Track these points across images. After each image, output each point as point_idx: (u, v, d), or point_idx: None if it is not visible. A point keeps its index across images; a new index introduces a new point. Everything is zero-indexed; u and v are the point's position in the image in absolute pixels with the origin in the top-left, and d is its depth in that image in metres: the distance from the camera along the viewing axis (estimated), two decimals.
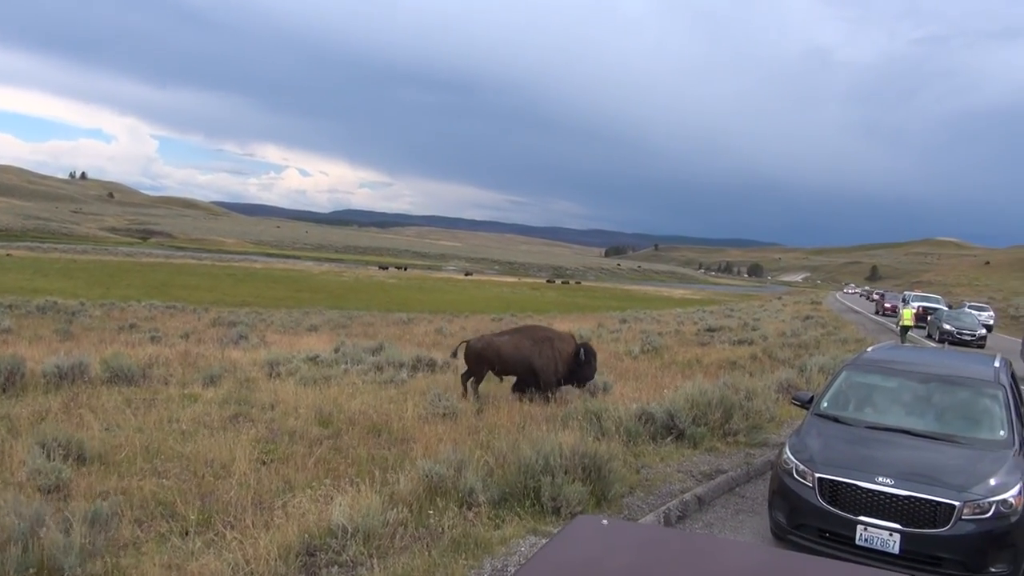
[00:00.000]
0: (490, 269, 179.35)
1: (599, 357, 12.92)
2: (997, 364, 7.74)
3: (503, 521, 6.36)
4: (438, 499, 6.40)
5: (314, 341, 22.63)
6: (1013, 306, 57.63)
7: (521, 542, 5.98)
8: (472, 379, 12.64)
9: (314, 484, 6.76)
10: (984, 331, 32.56)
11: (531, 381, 12.55)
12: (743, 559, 2.70)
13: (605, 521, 2.87)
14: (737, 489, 8.49)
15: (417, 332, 28.88)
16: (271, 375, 14.11)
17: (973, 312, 38.97)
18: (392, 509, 5.93)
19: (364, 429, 9.42)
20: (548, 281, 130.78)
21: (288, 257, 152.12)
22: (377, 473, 7.05)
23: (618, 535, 2.81)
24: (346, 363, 15.67)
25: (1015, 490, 5.64)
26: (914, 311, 35.32)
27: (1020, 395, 8.03)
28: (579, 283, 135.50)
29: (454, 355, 13.38)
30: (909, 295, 46.31)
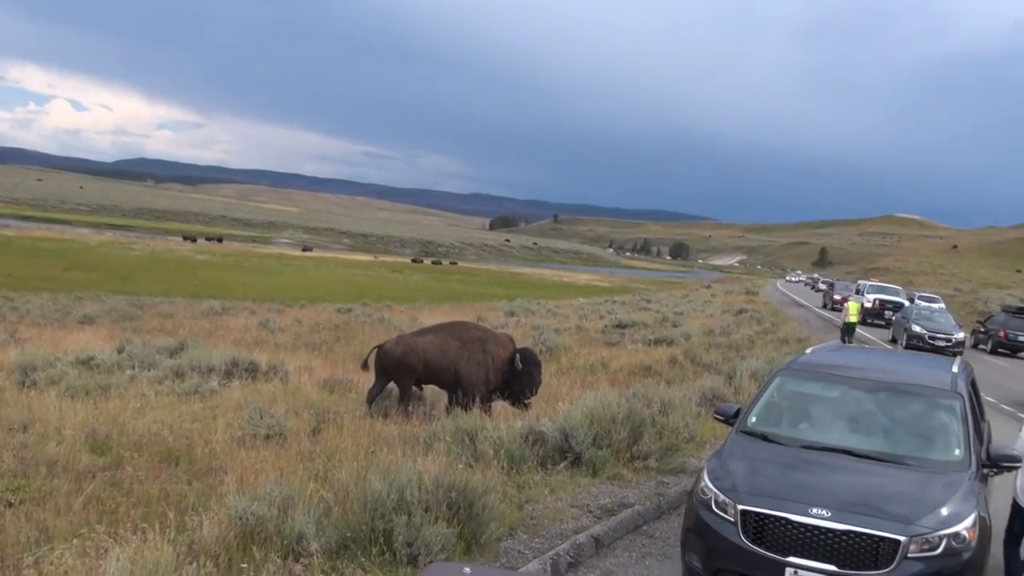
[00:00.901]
0: (337, 243, 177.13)
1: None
2: (955, 369, 8.34)
3: (342, 575, 6.34)
4: (255, 548, 6.30)
5: (88, 337, 21.84)
6: (981, 299, 62.06)
7: None
8: (380, 390, 12.78)
9: (83, 532, 6.51)
10: (963, 335, 33.40)
11: (454, 391, 12.86)
12: None
13: (467, 570, 2.92)
14: (645, 527, 8.79)
15: (234, 326, 28.27)
16: (24, 384, 13.60)
17: (944, 308, 40.83)
18: (191, 563, 5.80)
19: (156, 457, 9.21)
20: (414, 260, 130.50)
21: (54, 222, 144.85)
22: (172, 515, 6.86)
23: None
24: (133, 367, 15.36)
25: (968, 521, 6.12)
26: (861, 305, 37.15)
27: (980, 405, 8.71)
28: (455, 263, 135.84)
29: (365, 365, 13.50)
30: (864, 285, 48.74)
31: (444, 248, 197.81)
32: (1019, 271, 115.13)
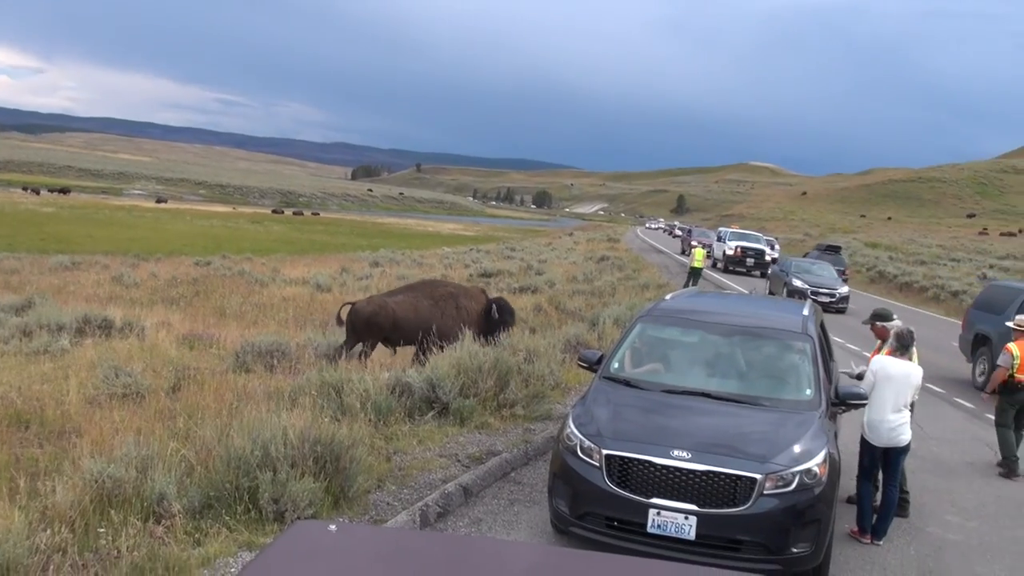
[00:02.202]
0: (193, 194, 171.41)
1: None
2: (806, 312, 8.72)
3: (206, 535, 6.23)
4: (113, 511, 6.12)
5: None
6: (830, 243, 64.90)
7: (231, 561, 5.90)
8: (351, 349, 12.80)
9: None
10: (847, 289, 31.22)
11: (424, 347, 12.90)
12: (510, 563, 2.83)
13: (333, 527, 2.87)
14: (512, 474, 8.94)
15: (86, 282, 27.05)
16: None
17: (827, 263, 36.27)
18: (44, 530, 5.61)
19: (4, 420, 8.81)
20: (275, 211, 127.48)
21: None
22: (22, 482, 6.59)
23: (352, 544, 2.83)
24: None
25: (819, 457, 6.44)
26: (723, 253, 38.41)
27: (829, 346, 9.15)
28: (317, 214, 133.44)
29: (340, 322, 13.46)
30: (725, 232, 48.85)
31: (305, 198, 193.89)
32: (863, 216, 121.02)
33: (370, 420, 9.16)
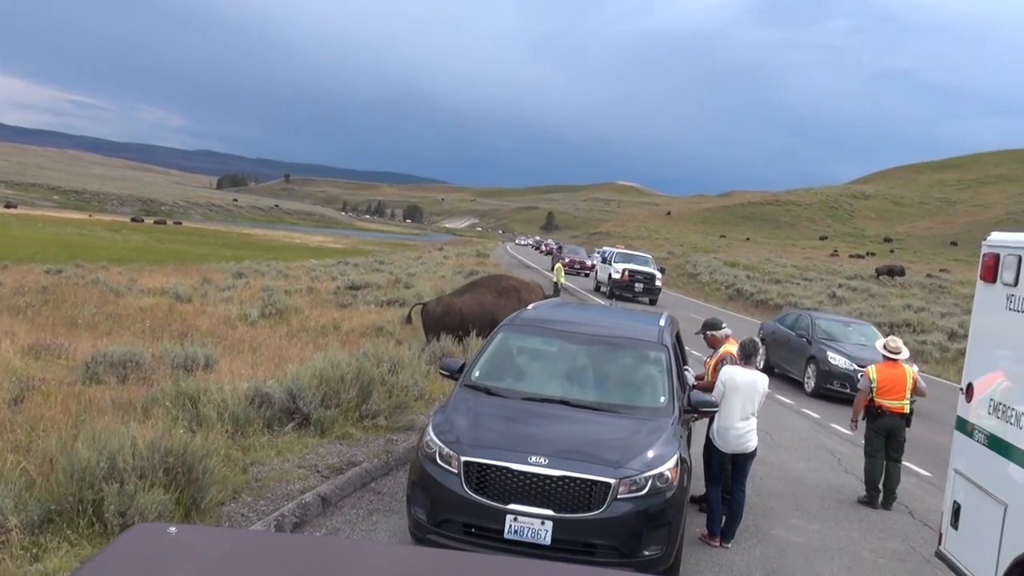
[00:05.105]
0: (46, 200, 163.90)
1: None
2: (662, 323, 8.99)
3: (45, 550, 5.98)
4: None
5: None
6: (691, 262, 66.99)
7: None
8: (432, 341, 13.86)
9: None
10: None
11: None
12: (358, 561, 2.81)
13: (173, 529, 2.79)
14: (372, 484, 8.89)
15: None
16: None
17: (865, 323, 22.53)
18: None
19: None
20: (134, 220, 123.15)
21: None
22: None
23: (193, 546, 2.76)
24: None
25: (671, 462, 6.64)
26: (565, 266, 38.96)
27: (683, 355, 9.46)
28: (179, 223, 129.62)
29: (408, 321, 14.84)
30: (611, 253, 44.04)
31: (168, 207, 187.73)
32: (723, 236, 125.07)
33: (227, 431, 8.98)
